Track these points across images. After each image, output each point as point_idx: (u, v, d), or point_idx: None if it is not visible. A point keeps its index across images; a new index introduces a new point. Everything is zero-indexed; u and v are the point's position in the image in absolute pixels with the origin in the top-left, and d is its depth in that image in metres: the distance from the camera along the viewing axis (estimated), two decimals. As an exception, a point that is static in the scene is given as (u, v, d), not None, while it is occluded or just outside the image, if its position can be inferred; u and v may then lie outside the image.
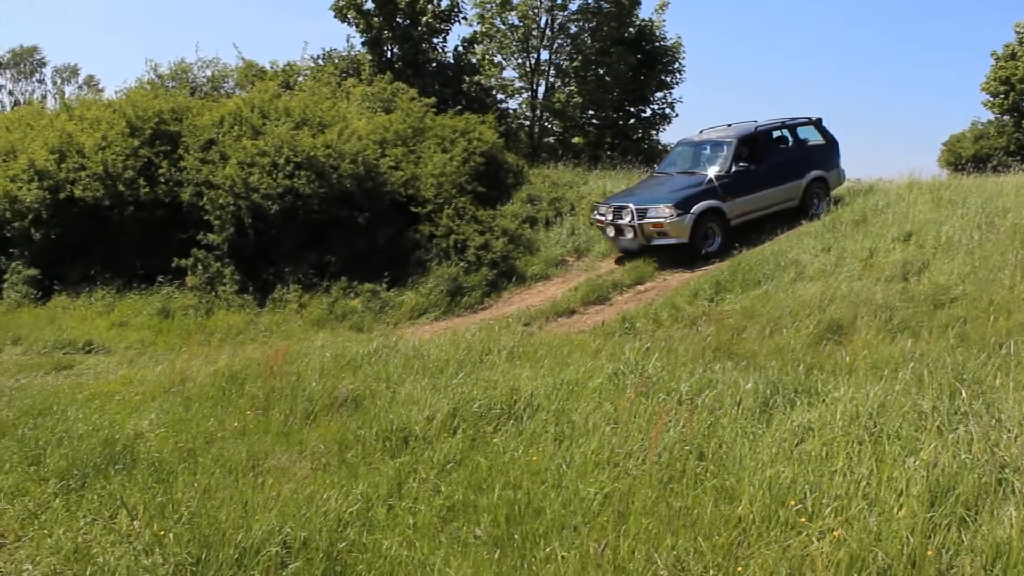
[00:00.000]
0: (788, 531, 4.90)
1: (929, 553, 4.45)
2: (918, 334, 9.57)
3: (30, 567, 5.09)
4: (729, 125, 17.62)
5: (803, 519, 4.97)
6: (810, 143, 17.52)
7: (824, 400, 6.86)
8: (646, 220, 15.20)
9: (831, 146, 17.69)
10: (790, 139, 17.35)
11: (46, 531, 5.51)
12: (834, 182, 17.49)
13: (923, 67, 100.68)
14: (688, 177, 16.30)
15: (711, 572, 4.60)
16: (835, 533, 4.73)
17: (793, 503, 5.11)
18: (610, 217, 15.86)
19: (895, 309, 10.42)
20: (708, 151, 16.87)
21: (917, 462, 5.30)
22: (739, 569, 4.61)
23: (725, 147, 16.22)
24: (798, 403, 6.92)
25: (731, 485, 5.49)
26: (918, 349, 8.46)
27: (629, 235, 15.55)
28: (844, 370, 8.23)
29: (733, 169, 15.79)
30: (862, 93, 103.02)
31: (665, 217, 15.08)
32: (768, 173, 16.26)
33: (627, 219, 15.45)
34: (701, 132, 18.04)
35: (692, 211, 15.13)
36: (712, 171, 15.94)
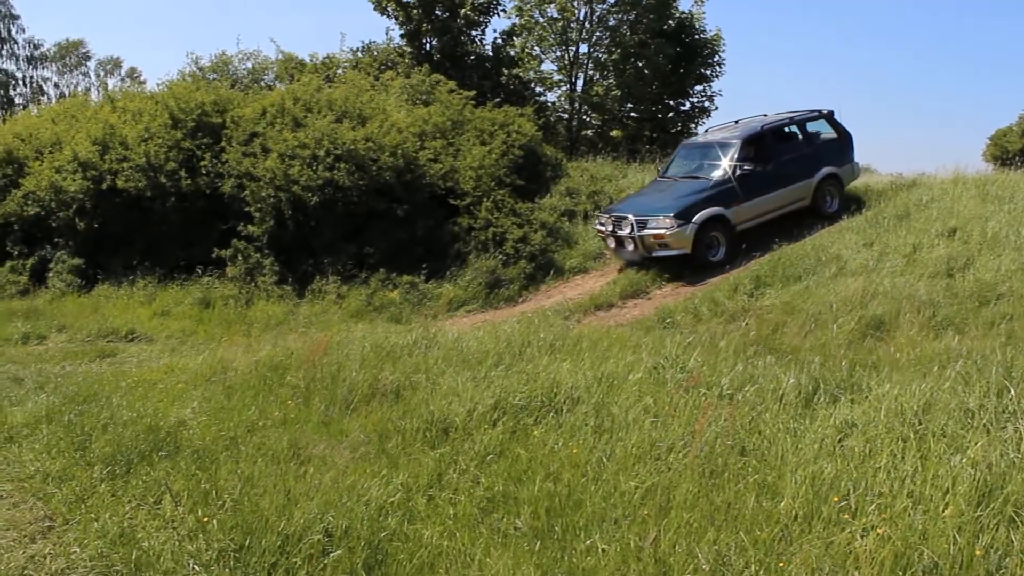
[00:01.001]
0: (831, 527, 4.85)
1: (977, 553, 4.38)
2: (963, 331, 9.45)
3: (78, 550, 5.17)
4: (736, 122, 17.24)
5: (846, 516, 4.92)
6: (821, 138, 16.80)
7: (867, 397, 6.78)
8: (646, 231, 14.53)
9: (844, 140, 16.91)
10: (799, 135, 16.58)
11: (92, 515, 5.59)
12: (848, 178, 16.80)
13: (970, 60, 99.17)
14: (691, 182, 15.60)
15: (753, 567, 4.56)
16: (879, 530, 4.68)
17: (836, 499, 5.06)
18: (610, 228, 15.24)
19: (939, 306, 10.29)
20: (712, 153, 16.03)
21: (964, 460, 5.22)
22: (781, 565, 4.57)
23: (729, 149, 15.50)
24: (841, 399, 6.84)
25: (773, 481, 5.44)
26: (963, 346, 8.35)
27: (630, 247, 14.94)
28: (887, 367, 8.14)
29: (738, 172, 15.03)
30: (906, 85, 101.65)
31: (666, 228, 14.37)
32: (776, 173, 15.53)
33: (627, 230, 14.81)
34: (706, 132, 17.59)
35: (694, 220, 14.44)
36: (716, 175, 15.28)
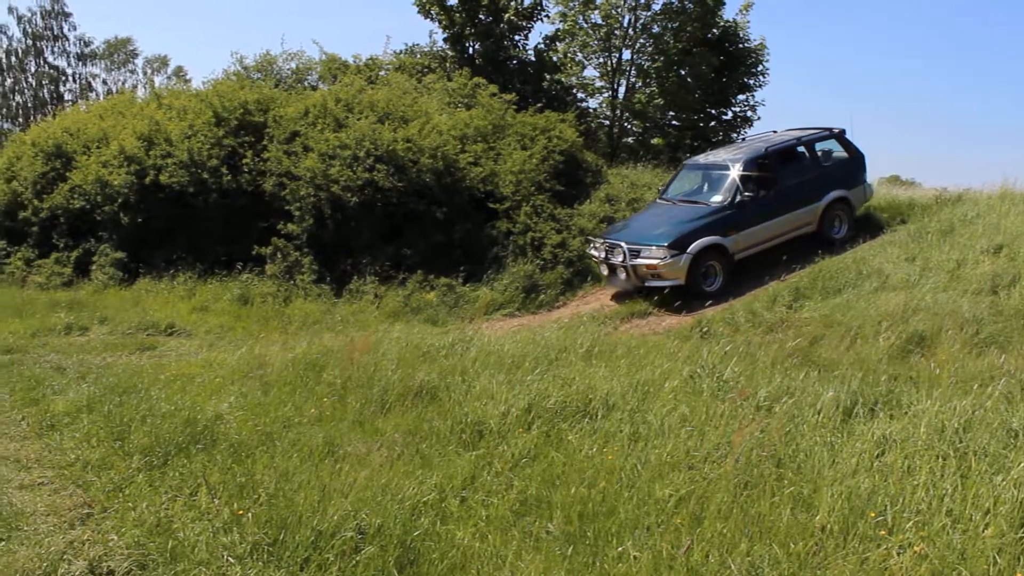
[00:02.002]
0: (867, 543, 4.82)
1: (1018, 575, 4.32)
2: (1007, 349, 9.30)
3: (115, 537, 5.23)
4: (743, 139, 16.85)
5: (883, 532, 4.88)
6: (831, 158, 16.03)
7: (907, 412, 6.71)
8: (639, 261, 13.91)
9: (855, 160, 16.09)
10: (807, 156, 15.71)
11: (130, 504, 5.67)
12: (859, 201, 16.04)
13: (1018, 74, 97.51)
14: (688, 208, 14.96)
15: (786, 580, 4.54)
16: (916, 548, 4.63)
17: (872, 515, 5.02)
18: (603, 255, 14.66)
19: (983, 323, 10.13)
20: (712, 176, 15.39)
21: (1006, 480, 5.14)
22: (815, 578, 4.54)
23: (730, 172, 14.77)
24: (880, 414, 6.78)
25: (808, 494, 5.41)
26: (1008, 365, 8.23)
27: (622, 275, 14.33)
28: (927, 383, 8.04)
29: (738, 198, 14.40)
30: (952, 98, 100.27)
31: (659, 259, 13.74)
32: (780, 198, 14.79)
33: (619, 259, 14.22)
34: (709, 151, 16.96)
35: (689, 250, 13.75)
36: (715, 200, 14.67)
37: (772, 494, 5.40)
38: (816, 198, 15.18)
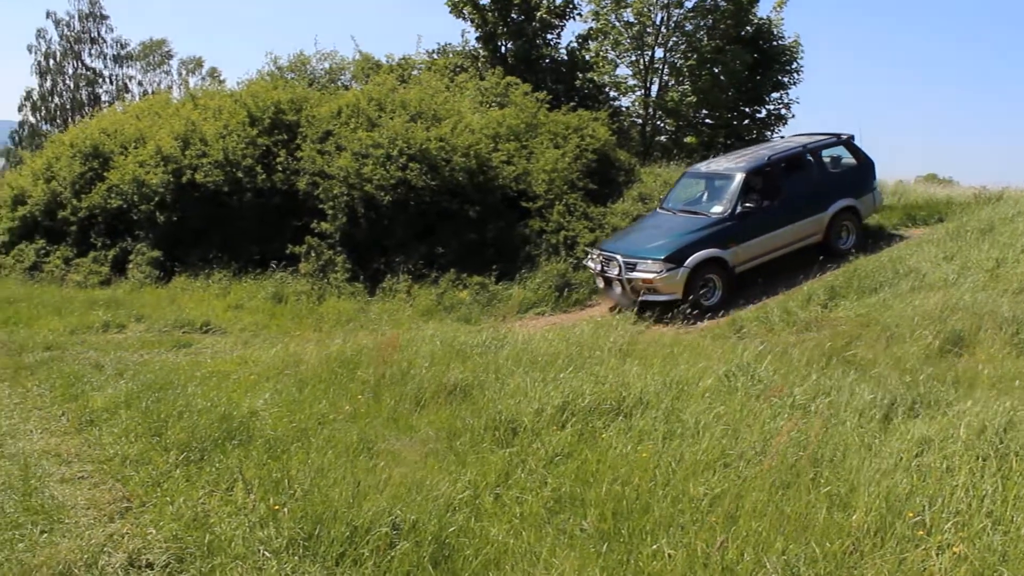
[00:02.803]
0: (904, 543, 4.77)
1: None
2: (1048, 350, 9.17)
3: (153, 531, 5.29)
4: (750, 146, 16.48)
5: (921, 532, 4.83)
6: (838, 166, 15.53)
7: (946, 413, 6.65)
8: (635, 274, 13.48)
9: (864, 168, 15.61)
10: (812, 164, 15.20)
11: (168, 498, 5.73)
12: (868, 210, 15.58)
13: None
14: (688, 219, 14.48)
15: (822, 579, 4.51)
16: (955, 549, 4.59)
17: (911, 515, 4.96)
18: (599, 267, 14.28)
19: (1023, 323, 9.98)
20: (713, 186, 14.97)
21: (1048, 482, 5.08)
22: (852, 578, 4.50)
23: (731, 182, 14.33)
24: (919, 414, 6.71)
25: (845, 493, 5.37)
26: (1049, 365, 8.12)
27: (617, 289, 13.90)
28: (966, 383, 7.96)
29: (738, 209, 13.93)
30: (995, 96, 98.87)
31: (655, 272, 13.28)
32: (783, 208, 14.35)
33: (615, 272, 13.80)
34: (710, 160, 16.50)
35: (686, 264, 13.31)
36: (715, 212, 14.22)
37: (808, 493, 5.36)
38: (822, 208, 14.72)
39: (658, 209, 15.68)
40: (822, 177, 15.14)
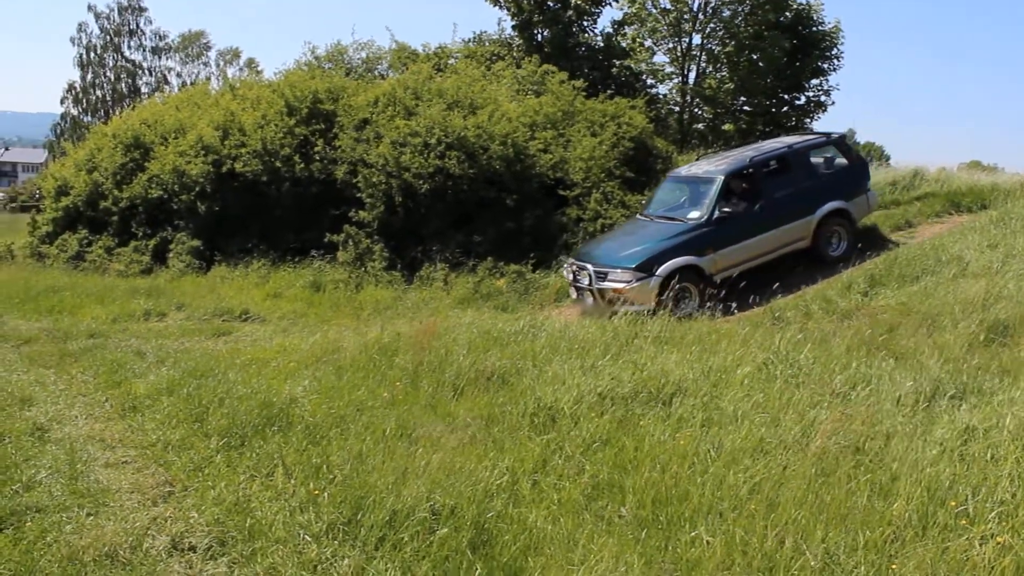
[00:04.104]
0: (947, 533, 4.70)
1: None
2: (1095, 338, 9.00)
3: (196, 515, 5.37)
4: (738, 147, 15.86)
5: (964, 522, 4.75)
6: (828, 167, 14.75)
7: (991, 402, 6.55)
8: (605, 284, 12.84)
9: (856, 169, 14.89)
10: (799, 165, 14.34)
11: (210, 483, 5.80)
12: (860, 212, 14.70)
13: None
14: (664, 225, 13.77)
15: (863, 568, 4.46)
16: (999, 539, 4.52)
17: (954, 505, 4.89)
18: (571, 276, 13.67)
19: (1070, 312, 9.80)
20: (693, 189, 14.18)
21: (1097, 473, 4.99)
22: (893, 567, 4.46)
23: (710, 186, 13.56)
24: (962, 404, 6.62)
25: (887, 482, 5.30)
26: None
27: (589, 300, 13.20)
28: (1012, 372, 7.83)
29: (716, 214, 13.22)
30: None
31: (625, 282, 12.63)
32: (766, 212, 13.60)
33: (585, 281, 13.18)
34: (696, 161, 15.81)
35: (657, 273, 12.60)
36: (692, 217, 13.51)
37: (849, 481, 5.30)
38: (809, 211, 13.96)
39: (639, 215, 15.09)
40: (809, 179, 14.34)
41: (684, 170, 15.39)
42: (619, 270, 12.84)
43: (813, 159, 14.72)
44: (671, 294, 12.41)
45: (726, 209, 13.38)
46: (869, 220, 15.48)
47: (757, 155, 14.39)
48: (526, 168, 17.20)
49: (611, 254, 13.42)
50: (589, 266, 13.22)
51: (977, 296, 10.57)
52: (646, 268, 12.69)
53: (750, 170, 14.02)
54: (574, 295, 13.81)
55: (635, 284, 12.61)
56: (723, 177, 13.59)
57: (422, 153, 16.66)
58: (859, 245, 13.92)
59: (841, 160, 14.84)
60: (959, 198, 16.86)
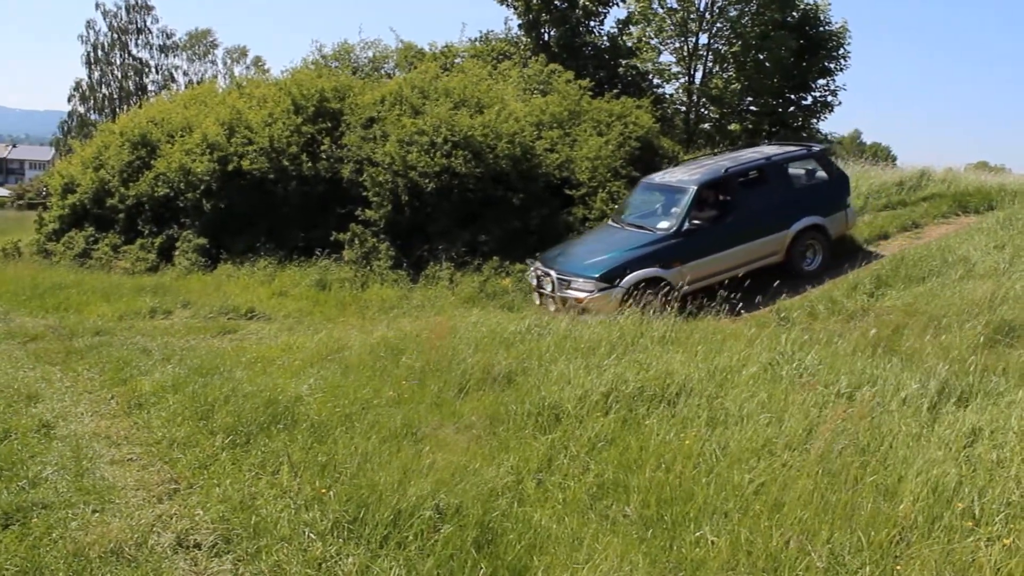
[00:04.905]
0: (952, 534, 4.69)
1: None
2: (1103, 339, 8.98)
3: (201, 512, 5.38)
4: (715, 153, 15.71)
5: (970, 523, 4.74)
6: (808, 180, 14.54)
7: (997, 403, 6.53)
8: (568, 292, 12.58)
9: (836, 183, 14.50)
10: (775, 178, 14.01)
11: (215, 481, 5.81)
12: (837, 228, 14.32)
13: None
14: (633, 234, 13.48)
15: (868, 568, 4.47)
16: (1005, 541, 4.52)
17: (960, 506, 4.89)
18: (535, 281, 13.52)
19: (1078, 313, 9.78)
20: (665, 198, 13.87)
21: (1105, 475, 4.98)
22: (899, 568, 4.46)
23: (682, 196, 13.26)
24: (968, 405, 6.61)
25: (892, 483, 5.29)
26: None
27: (552, 307, 12.86)
28: (1017, 374, 7.81)
29: (686, 225, 12.92)
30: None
31: (587, 292, 12.38)
32: (739, 225, 13.29)
33: (548, 288, 12.99)
34: (666, 171, 15.45)
35: (620, 284, 12.32)
36: (661, 227, 13.19)
37: (855, 482, 5.30)
38: (784, 225, 13.65)
39: (610, 221, 14.83)
40: (786, 192, 14.06)
41: (658, 177, 15.01)
42: (582, 279, 12.60)
43: (792, 171, 14.46)
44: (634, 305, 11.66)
45: (696, 221, 13.15)
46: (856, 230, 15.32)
47: (733, 165, 14.10)
48: (532, 167, 17.21)
49: (576, 262, 13.17)
50: (553, 272, 13.00)
51: (984, 297, 10.56)
52: (609, 279, 12.44)
53: (725, 181, 13.77)
54: (537, 300, 13.59)
55: (597, 294, 12.34)
56: (695, 187, 13.30)
57: (428, 152, 16.67)
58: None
59: (822, 174, 14.56)
60: (966, 199, 16.84)
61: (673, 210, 13.28)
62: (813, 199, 14.15)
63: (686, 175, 14.10)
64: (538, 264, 13.75)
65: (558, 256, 13.77)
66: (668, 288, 12.01)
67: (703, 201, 13.52)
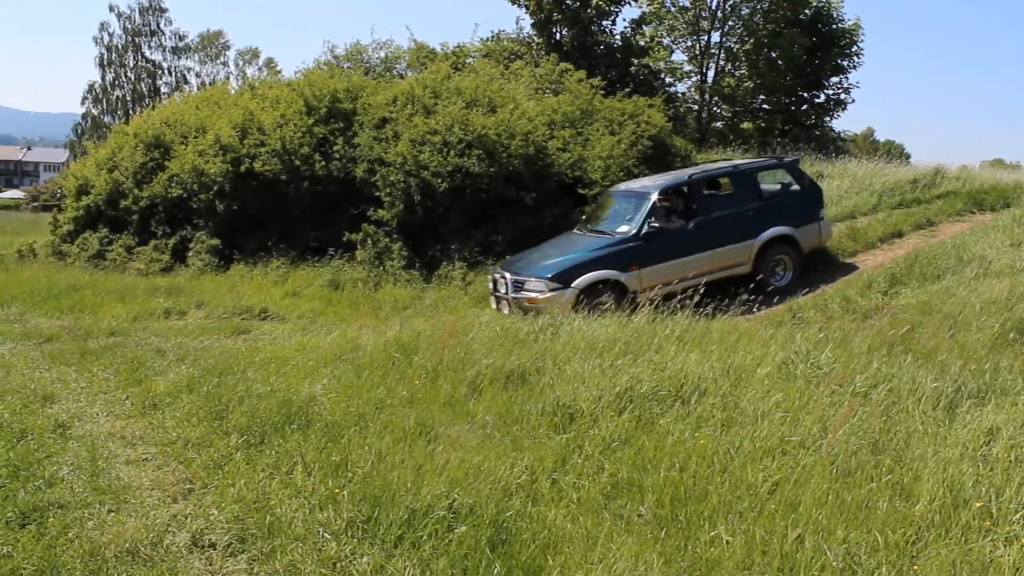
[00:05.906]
0: (969, 534, 4.66)
1: None
2: (1119, 338, 8.91)
3: (216, 512, 5.38)
4: (686, 166, 15.67)
5: (987, 523, 4.70)
6: (778, 191, 14.43)
7: (1015, 403, 6.48)
8: (522, 294, 12.62)
9: (808, 195, 14.31)
10: (743, 186, 13.93)
11: (229, 481, 5.81)
12: (810, 240, 14.06)
13: None
14: (593, 238, 13.55)
15: (884, 568, 4.42)
16: (1023, 541, 4.47)
17: (977, 505, 4.85)
18: (491, 285, 13.61)
19: (1095, 312, 9.71)
20: (629, 204, 13.79)
21: (1122, 474, 4.94)
22: (915, 568, 4.41)
23: (643, 201, 13.28)
24: (986, 404, 6.56)
25: (908, 482, 5.25)
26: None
27: (505, 310, 12.86)
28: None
29: (645, 229, 12.87)
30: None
31: (539, 292, 12.40)
32: (702, 232, 13.14)
33: (503, 290, 13.02)
34: (634, 179, 15.57)
35: (574, 285, 12.33)
36: (620, 231, 13.22)
37: (870, 481, 5.27)
38: (750, 235, 13.49)
39: (575, 229, 14.80)
40: (752, 201, 13.78)
41: (624, 185, 15.11)
42: (535, 279, 12.67)
43: (761, 181, 14.35)
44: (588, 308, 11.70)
45: (655, 225, 13.07)
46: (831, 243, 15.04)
47: (697, 173, 14.12)
48: (545, 166, 17.22)
49: (531, 265, 13.29)
50: (507, 275, 13.07)
51: (1000, 295, 10.50)
52: (562, 279, 12.46)
53: (688, 188, 13.72)
54: (494, 304, 13.56)
55: (549, 294, 12.35)
56: (656, 193, 13.29)
57: (441, 151, 16.68)
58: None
59: (794, 185, 14.42)
60: (981, 196, 16.76)
61: (633, 215, 13.30)
62: (783, 209, 13.96)
63: (651, 182, 14.24)
64: (497, 268, 13.90)
65: (517, 261, 13.88)
66: (623, 291, 12.24)
67: (666, 207, 13.52)
